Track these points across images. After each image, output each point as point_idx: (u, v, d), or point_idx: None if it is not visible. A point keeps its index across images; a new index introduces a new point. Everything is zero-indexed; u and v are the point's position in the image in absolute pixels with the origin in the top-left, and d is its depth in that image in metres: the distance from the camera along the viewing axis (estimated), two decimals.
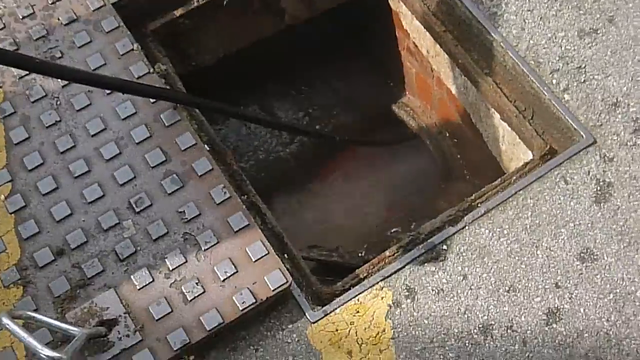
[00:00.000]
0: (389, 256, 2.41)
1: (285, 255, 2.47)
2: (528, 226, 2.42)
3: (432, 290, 2.33)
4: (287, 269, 2.34)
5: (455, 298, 2.32)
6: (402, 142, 4.09)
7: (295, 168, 4.06)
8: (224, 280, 2.26)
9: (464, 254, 2.38)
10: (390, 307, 2.30)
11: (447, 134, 3.82)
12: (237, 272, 2.27)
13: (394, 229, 3.40)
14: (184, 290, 2.25)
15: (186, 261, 2.28)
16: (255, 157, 4.03)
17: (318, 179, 4.03)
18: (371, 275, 2.38)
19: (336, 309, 2.32)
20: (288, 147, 4.09)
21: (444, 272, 2.35)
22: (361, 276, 2.40)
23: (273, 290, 2.25)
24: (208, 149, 2.53)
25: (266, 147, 4.06)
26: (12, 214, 2.35)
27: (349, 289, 2.37)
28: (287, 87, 4.18)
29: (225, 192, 2.40)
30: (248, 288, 2.25)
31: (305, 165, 4.07)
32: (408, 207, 3.67)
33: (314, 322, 2.30)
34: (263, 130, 4.08)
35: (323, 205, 3.89)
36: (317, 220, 3.80)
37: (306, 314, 2.31)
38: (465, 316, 2.30)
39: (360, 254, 3.16)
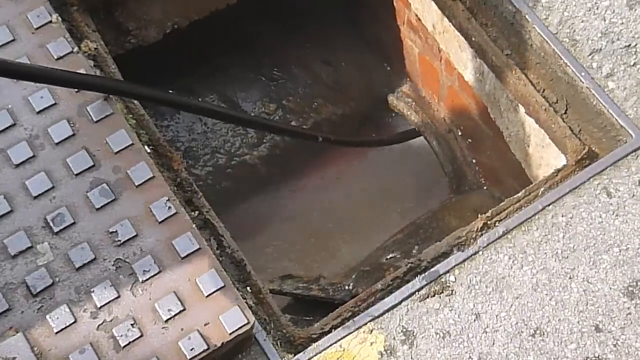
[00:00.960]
0: (382, 290, 2.41)
1: (248, 288, 2.45)
2: (559, 251, 2.41)
3: (436, 333, 2.31)
4: (250, 307, 2.33)
5: (466, 343, 2.30)
6: (401, 142, 4.07)
7: (265, 176, 4.01)
8: (167, 321, 2.24)
9: (476, 287, 2.37)
10: (382, 355, 2.28)
11: (459, 133, 3.82)
12: (184, 310, 2.25)
13: (390, 255, 3.41)
14: (116, 334, 2.22)
15: (119, 296, 2.27)
16: (213, 161, 3.97)
17: (295, 191, 3.99)
18: (358, 313, 2.37)
19: (313, 357, 2.30)
20: (256, 149, 4.03)
21: (451, 311, 2.34)
22: (345, 315, 2.38)
23: (231, 334, 2.22)
24: (149, 151, 2.51)
25: (227, 148, 4.00)
26: None
27: (330, 331, 2.36)
28: (254, 71, 4.14)
29: (170, 207, 2.39)
30: (198, 331, 2.23)
31: (278, 172, 4.01)
32: (409, 226, 3.65)
33: None
34: (224, 126, 4.02)
35: (300, 224, 3.86)
36: (292, 244, 3.77)
37: None
38: None
39: (347, 287, 3.15)
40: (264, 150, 4.06)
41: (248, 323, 2.24)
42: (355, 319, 2.36)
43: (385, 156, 4.08)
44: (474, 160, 3.81)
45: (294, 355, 2.31)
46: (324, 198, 3.99)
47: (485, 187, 3.74)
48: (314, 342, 2.34)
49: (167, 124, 4.00)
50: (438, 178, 3.97)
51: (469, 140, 3.78)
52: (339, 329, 2.35)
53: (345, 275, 3.35)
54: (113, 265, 2.31)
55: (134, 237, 2.35)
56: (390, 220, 3.85)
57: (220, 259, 2.40)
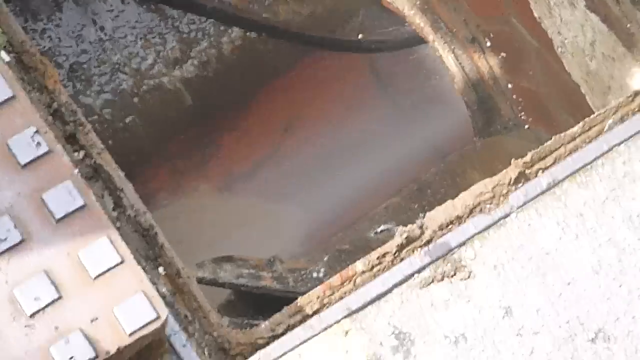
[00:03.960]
0: (364, 272, 2.31)
1: (160, 269, 2.34)
2: (635, 215, 2.33)
3: (445, 337, 2.24)
4: (163, 296, 2.23)
5: (490, 353, 2.25)
6: (398, 50, 4.13)
7: (192, 109, 3.98)
8: (33, 316, 2.10)
9: (506, 268, 2.28)
10: None
11: (487, 43, 3.89)
12: (60, 298, 2.11)
13: (381, 227, 3.46)
14: None
15: None
16: (113, 85, 3.89)
17: (239, 131, 3.97)
18: (327, 306, 2.30)
19: None
20: (179, 67, 3.98)
21: (468, 303, 2.26)
22: (307, 310, 2.30)
23: (131, 335, 2.09)
24: (9, 59, 2.36)
25: (135, 66, 3.92)
26: None
27: (284, 333, 2.29)
28: None
29: (39, 144, 2.23)
30: (81, 330, 2.09)
31: (212, 104, 3.98)
32: (410, 185, 3.66)
33: None
34: (130, 32, 3.97)
35: (246, 181, 3.87)
36: (235, 209, 3.81)
37: None
38: None
39: (316, 274, 3.25)
40: (190, 70, 4.01)
41: (158, 318, 2.10)
42: (322, 314, 2.27)
43: (374, 74, 4.16)
44: (509, 85, 3.88)
45: None
46: (282, 142, 4.03)
47: (526, 126, 3.82)
48: (261, 349, 2.26)
49: (43, 28, 3.90)
50: (455, 111, 4.00)
51: (503, 53, 3.85)
52: (298, 329, 2.26)
53: (312, 256, 3.36)
54: None
55: None
56: (382, 176, 3.93)
57: (118, 224, 2.28)
